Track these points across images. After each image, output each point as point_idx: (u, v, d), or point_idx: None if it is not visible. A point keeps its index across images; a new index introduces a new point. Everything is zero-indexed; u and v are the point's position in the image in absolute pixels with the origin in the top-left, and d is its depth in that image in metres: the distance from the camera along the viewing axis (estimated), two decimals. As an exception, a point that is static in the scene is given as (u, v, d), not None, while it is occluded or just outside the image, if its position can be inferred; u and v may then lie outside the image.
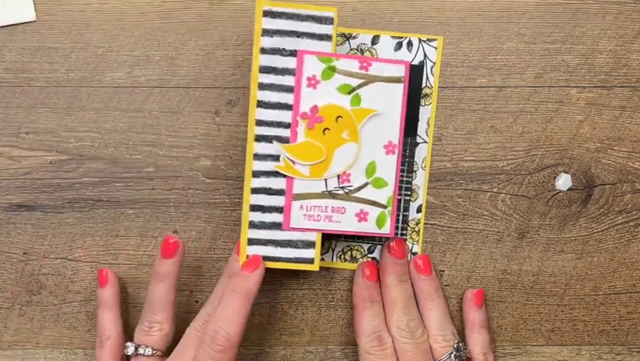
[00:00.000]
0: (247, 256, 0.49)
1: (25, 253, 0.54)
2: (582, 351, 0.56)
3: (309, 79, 0.48)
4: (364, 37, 0.52)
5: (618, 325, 0.55)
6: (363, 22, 0.52)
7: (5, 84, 0.52)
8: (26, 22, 0.52)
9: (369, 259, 0.54)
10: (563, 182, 0.54)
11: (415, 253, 0.54)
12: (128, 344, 0.50)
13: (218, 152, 0.53)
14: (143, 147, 0.53)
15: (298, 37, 0.48)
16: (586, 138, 0.54)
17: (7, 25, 0.52)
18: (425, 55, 0.52)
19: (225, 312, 0.47)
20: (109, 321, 0.51)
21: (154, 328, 0.50)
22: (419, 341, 0.50)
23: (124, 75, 0.53)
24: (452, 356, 0.50)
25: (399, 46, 0.52)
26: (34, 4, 0.52)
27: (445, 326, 0.51)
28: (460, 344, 0.51)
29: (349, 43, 0.52)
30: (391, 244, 0.52)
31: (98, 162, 0.53)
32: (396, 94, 0.49)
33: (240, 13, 0.52)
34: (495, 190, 0.54)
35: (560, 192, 0.54)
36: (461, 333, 0.54)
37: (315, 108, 0.48)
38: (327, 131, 0.48)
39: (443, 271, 0.55)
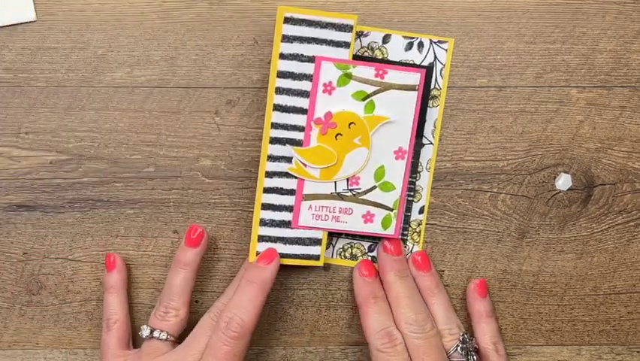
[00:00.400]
0: (257, 253, 0.51)
1: (25, 253, 0.54)
2: (582, 351, 0.56)
3: (325, 85, 0.49)
4: (375, 36, 0.52)
5: (618, 325, 0.55)
6: (363, 22, 0.52)
7: (5, 84, 0.52)
8: (26, 22, 0.52)
9: (369, 258, 0.54)
10: (563, 182, 0.54)
11: (415, 253, 0.54)
12: (144, 326, 0.51)
13: (218, 152, 0.53)
14: (143, 147, 0.53)
15: (317, 43, 0.49)
16: (586, 138, 0.54)
17: (7, 25, 0.52)
18: (435, 56, 0.52)
19: (241, 300, 0.48)
20: (116, 305, 0.52)
21: (170, 313, 0.51)
22: (429, 335, 0.50)
23: (124, 75, 0.53)
24: (458, 348, 0.50)
25: (409, 46, 0.52)
26: (34, 4, 0.52)
27: (449, 319, 0.51)
28: (466, 336, 0.51)
29: (360, 41, 0.52)
30: (386, 243, 0.52)
31: (98, 162, 0.53)
32: (410, 101, 0.50)
33: (240, 13, 0.52)
34: (495, 190, 0.54)
35: (560, 192, 0.54)
36: (468, 327, 0.54)
37: (329, 115, 0.49)
38: (339, 136, 0.50)
39: (443, 271, 0.55)
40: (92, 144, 0.53)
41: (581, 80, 0.53)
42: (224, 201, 0.54)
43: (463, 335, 0.51)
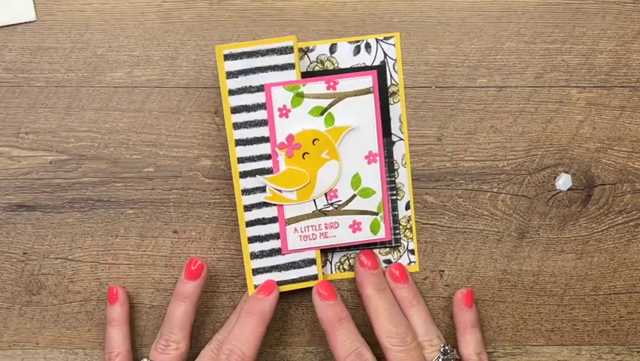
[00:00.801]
0: (255, 286, 0.51)
1: (25, 253, 0.54)
2: (582, 351, 0.56)
3: (279, 109, 0.50)
4: (322, 48, 0.52)
5: (618, 325, 0.55)
6: (364, 22, 0.52)
7: (5, 84, 0.52)
8: (26, 22, 0.52)
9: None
10: (563, 182, 0.54)
11: (411, 250, 0.54)
12: (144, 360, 0.51)
13: (218, 152, 0.53)
14: (143, 147, 0.53)
15: (263, 71, 0.49)
16: (586, 138, 0.54)
17: (7, 25, 0.52)
18: (385, 54, 0.52)
19: (241, 333, 0.49)
20: (118, 338, 0.52)
21: (171, 347, 0.50)
22: (411, 347, 0.49)
23: (124, 75, 0.53)
24: (440, 360, 0.50)
25: (357, 50, 0.52)
26: (34, 4, 0.52)
27: (429, 330, 0.51)
28: (447, 348, 0.51)
29: (308, 57, 0.52)
30: (362, 257, 0.52)
31: (98, 162, 0.53)
32: (368, 104, 0.50)
33: (239, 13, 0.52)
34: (495, 190, 0.54)
35: (560, 192, 0.54)
36: (452, 334, 0.54)
37: (290, 137, 0.50)
38: (306, 155, 0.50)
39: (443, 271, 0.55)
40: (92, 144, 0.53)
41: (581, 80, 0.53)
42: (224, 201, 0.54)
43: (444, 346, 0.51)
